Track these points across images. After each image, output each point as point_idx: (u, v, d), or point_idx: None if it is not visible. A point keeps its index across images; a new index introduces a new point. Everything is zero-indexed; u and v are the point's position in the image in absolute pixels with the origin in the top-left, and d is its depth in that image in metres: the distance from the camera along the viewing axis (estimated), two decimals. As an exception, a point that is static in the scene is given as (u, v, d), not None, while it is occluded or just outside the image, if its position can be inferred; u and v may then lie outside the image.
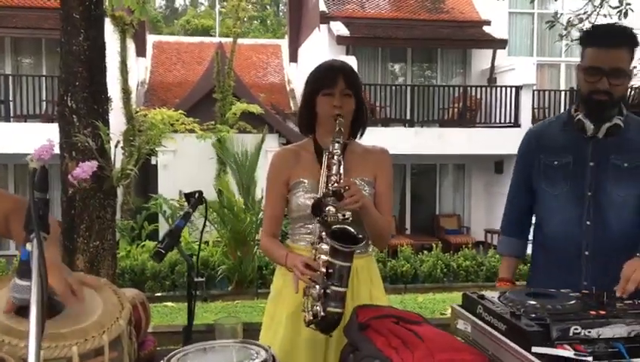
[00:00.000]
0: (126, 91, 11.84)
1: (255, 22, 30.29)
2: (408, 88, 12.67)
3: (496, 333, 1.39)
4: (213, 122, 11.88)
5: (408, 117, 12.50)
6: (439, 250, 9.99)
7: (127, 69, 11.98)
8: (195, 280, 1.68)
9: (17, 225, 1.01)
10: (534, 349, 1.25)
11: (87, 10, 4.06)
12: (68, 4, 4.06)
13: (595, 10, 7.09)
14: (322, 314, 1.62)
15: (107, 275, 4.16)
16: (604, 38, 1.94)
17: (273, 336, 1.87)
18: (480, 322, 1.48)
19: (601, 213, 1.95)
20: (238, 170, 9.40)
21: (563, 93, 13.08)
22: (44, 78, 12.00)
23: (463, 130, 12.20)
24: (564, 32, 7.76)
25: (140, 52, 14.90)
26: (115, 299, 1.16)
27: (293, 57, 16.26)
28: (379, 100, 12.40)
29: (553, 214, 2.05)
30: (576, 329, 1.29)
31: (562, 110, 12.81)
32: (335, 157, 1.78)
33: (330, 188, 1.73)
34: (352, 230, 1.63)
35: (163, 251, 1.51)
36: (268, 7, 32.21)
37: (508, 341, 1.33)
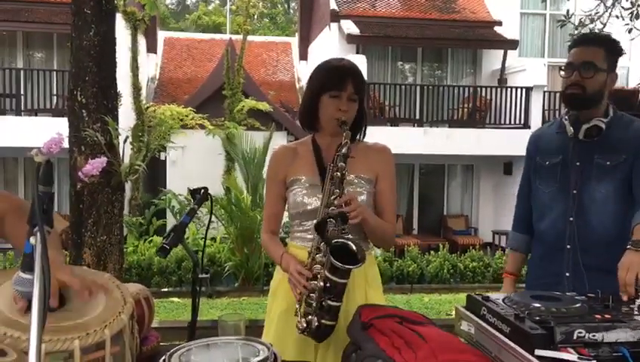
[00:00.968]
0: (136, 87, 11.89)
1: (265, 19, 30.31)
2: (418, 88, 12.63)
3: (499, 335, 1.38)
4: (222, 119, 11.91)
5: (417, 116, 12.46)
6: (446, 251, 9.96)
7: (137, 64, 12.03)
8: (200, 276, 1.68)
9: (12, 226, 1.01)
10: (537, 352, 1.24)
11: (98, 6, 4.07)
12: (79, -1, 4.08)
13: (606, 11, 7.04)
14: (316, 324, 1.66)
15: (114, 270, 4.18)
16: (580, 40, 2.21)
17: (267, 331, 1.90)
18: (484, 324, 1.47)
19: (584, 209, 2.10)
20: (245, 166, 9.42)
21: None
22: (54, 72, 12.07)
23: (473, 130, 12.15)
24: (575, 32, 7.71)
25: (151, 48, 14.95)
26: (118, 294, 1.17)
27: (304, 55, 16.26)
28: (388, 100, 12.37)
29: (545, 211, 2.21)
30: (580, 332, 1.28)
31: (573, 112, 12.74)
32: (338, 171, 1.74)
33: (335, 206, 1.70)
34: (353, 246, 1.63)
35: (168, 247, 1.51)
36: (278, 5, 32.22)
37: (511, 343, 1.33)
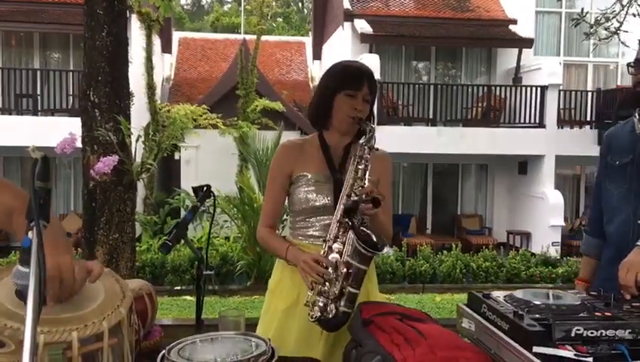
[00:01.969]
0: (151, 87, 11.99)
1: (279, 19, 30.37)
2: (432, 87, 12.59)
3: (498, 332, 1.38)
4: (235, 118, 11.97)
5: (431, 116, 12.43)
6: (459, 250, 9.92)
7: (152, 64, 12.13)
8: (205, 273, 1.70)
9: (19, 224, 1.04)
10: (535, 349, 1.24)
11: (110, 6, 4.12)
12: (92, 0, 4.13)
13: (622, 9, 6.97)
14: (334, 311, 1.65)
15: (126, 268, 4.23)
16: None
17: (267, 328, 1.88)
18: (483, 321, 1.47)
19: None
20: (258, 166, 9.45)
21: (590, 93, 12.87)
22: (71, 72, 12.22)
23: (487, 129, 12.08)
24: (591, 31, 7.63)
25: (166, 48, 15.08)
26: (117, 288, 1.19)
27: (317, 55, 16.28)
28: (402, 99, 12.35)
29: (612, 213, 2.10)
30: (578, 330, 1.28)
31: (589, 111, 12.60)
32: (363, 161, 1.77)
33: (358, 194, 1.74)
34: (374, 237, 1.67)
35: (170, 243, 1.54)
36: (292, 4, 32.27)
37: (510, 340, 1.33)
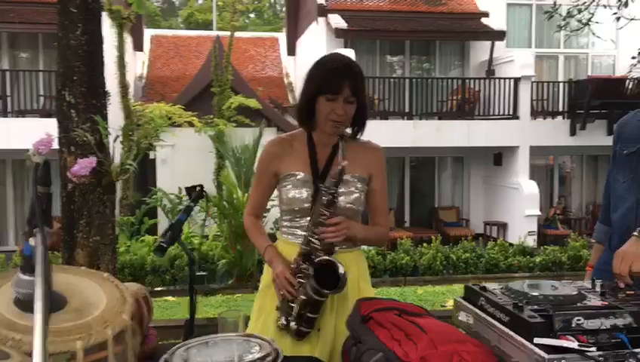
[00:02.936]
0: (124, 86, 11.79)
1: (251, 15, 30.17)
2: (407, 81, 12.65)
3: (498, 325, 1.39)
4: (211, 116, 11.86)
5: (407, 110, 12.49)
6: (438, 243, 10.00)
7: (124, 63, 11.93)
8: (198, 273, 1.68)
9: None
10: (537, 340, 1.25)
11: (84, 4, 4.02)
12: (65, -3, 4.03)
13: (594, 1, 7.08)
14: (295, 328, 1.76)
15: (107, 270, 4.15)
16: None
17: (263, 327, 1.87)
18: (482, 314, 1.48)
19: None
20: (236, 163, 9.39)
21: (562, 84, 13.07)
22: (41, 72, 11.97)
23: (462, 122, 12.20)
24: (563, 23, 7.74)
25: (138, 46, 14.85)
26: (118, 294, 1.16)
27: (291, 50, 16.22)
28: (377, 93, 12.38)
29: (619, 201, 2.12)
30: (578, 319, 1.29)
31: (561, 102, 12.81)
32: (330, 196, 1.71)
33: (323, 224, 1.73)
34: (340, 269, 1.68)
35: (165, 245, 1.51)
36: None
37: (511, 332, 1.33)
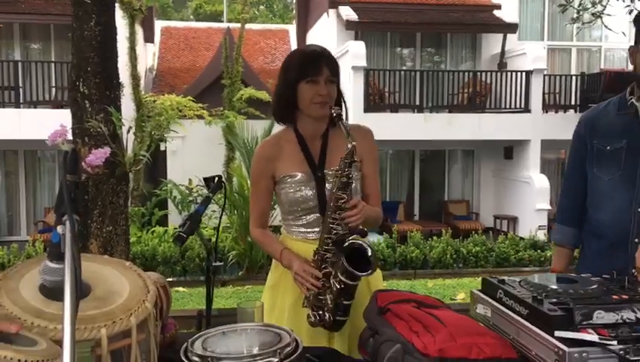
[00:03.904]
0: (135, 77, 11.84)
1: (262, 7, 30.12)
2: (417, 73, 12.58)
3: (517, 318, 1.39)
4: (221, 108, 11.88)
5: (417, 102, 12.43)
6: (448, 236, 9.98)
7: (136, 54, 11.97)
8: (214, 264, 1.69)
9: None
10: (557, 333, 1.25)
11: (98, -5, 4.04)
12: (79, -11, 4.04)
13: (608, -6, 7.01)
14: (331, 319, 1.73)
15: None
16: None
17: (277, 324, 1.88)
18: (501, 306, 1.47)
19: None
20: (247, 155, 9.40)
21: (574, 77, 12.95)
22: (53, 63, 12.02)
23: (473, 115, 12.12)
24: (576, 16, 7.67)
25: (148, 38, 14.88)
26: (141, 282, 1.17)
27: (302, 43, 16.16)
28: (388, 86, 12.33)
29: (604, 200, 2.00)
30: (599, 313, 1.28)
31: (573, 95, 12.70)
32: (345, 177, 1.73)
33: (342, 209, 1.73)
34: (369, 252, 1.68)
35: (184, 235, 1.52)
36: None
37: (530, 325, 1.33)
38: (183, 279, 8.32)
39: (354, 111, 9.54)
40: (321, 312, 1.73)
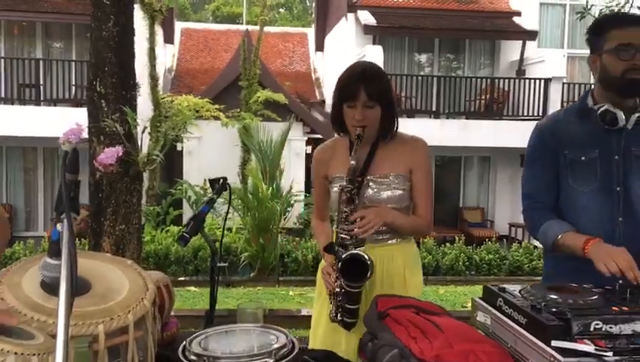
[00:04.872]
0: (153, 78, 11.94)
1: (281, 10, 30.25)
2: (435, 79, 12.55)
3: (516, 326, 1.39)
4: (238, 110, 11.94)
5: (434, 108, 12.39)
6: (462, 243, 9.92)
7: (155, 55, 12.08)
8: (218, 265, 1.71)
9: None
10: (554, 343, 1.25)
11: (117, -4, 4.11)
12: (98, -10, 4.11)
13: (628, 2, 6.94)
14: (340, 319, 1.88)
15: (132, 258, 4.21)
16: (628, 19, 1.92)
17: (325, 335, 2.02)
18: (500, 315, 1.48)
19: (631, 208, 1.88)
20: (262, 157, 9.45)
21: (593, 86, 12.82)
22: (73, 62, 12.18)
23: (490, 122, 12.05)
24: (596, 24, 7.59)
25: (168, 39, 15.01)
26: (141, 281, 1.19)
27: (320, 46, 16.22)
28: (405, 91, 12.31)
29: (583, 212, 1.94)
30: (597, 324, 1.28)
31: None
32: (347, 193, 1.85)
33: (348, 222, 1.83)
34: (365, 257, 1.76)
35: (188, 236, 1.54)
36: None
37: (528, 334, 1.33)
38: (195, 279, 8.37)
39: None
40: (334, 310, 1.88)
